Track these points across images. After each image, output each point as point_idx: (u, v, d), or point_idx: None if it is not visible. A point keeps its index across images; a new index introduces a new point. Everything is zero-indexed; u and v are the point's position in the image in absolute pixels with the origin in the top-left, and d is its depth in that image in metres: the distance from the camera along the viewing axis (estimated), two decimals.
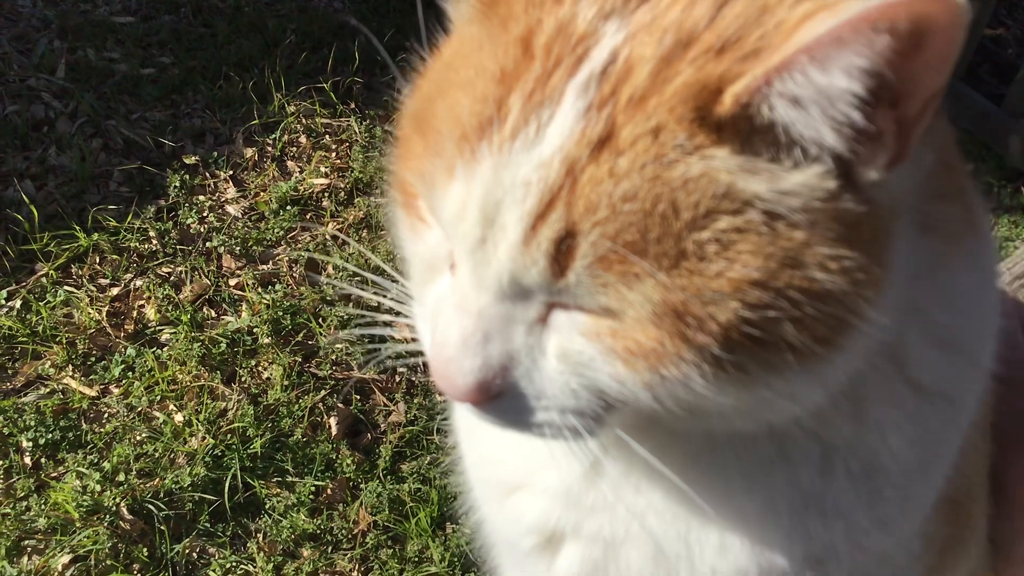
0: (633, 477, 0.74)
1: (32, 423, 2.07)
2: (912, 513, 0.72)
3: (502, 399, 0.64)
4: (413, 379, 2.26)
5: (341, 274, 2.42)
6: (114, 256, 2.44)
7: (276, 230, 2.54)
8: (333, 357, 2.28)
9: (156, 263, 2.45)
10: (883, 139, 0.56)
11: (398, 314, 0.74)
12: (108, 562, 1.90)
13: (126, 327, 2.32)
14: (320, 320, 2.34)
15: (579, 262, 0.57)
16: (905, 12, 0.50)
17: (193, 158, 2.67)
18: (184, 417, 2.15)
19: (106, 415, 2.16)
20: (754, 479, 0.68)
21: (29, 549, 1.93)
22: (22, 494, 1.99)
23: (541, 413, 0.64)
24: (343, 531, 2.01)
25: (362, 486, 2.07)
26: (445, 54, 0.68)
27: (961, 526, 0.80)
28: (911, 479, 0.69)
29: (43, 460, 2.06)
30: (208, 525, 2.00)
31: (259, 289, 2.40)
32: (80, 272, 2.41)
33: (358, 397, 2.23)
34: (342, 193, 2.65)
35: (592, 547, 0.77)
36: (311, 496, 2.04)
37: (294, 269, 2.48)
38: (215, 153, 2.70)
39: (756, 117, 0.55)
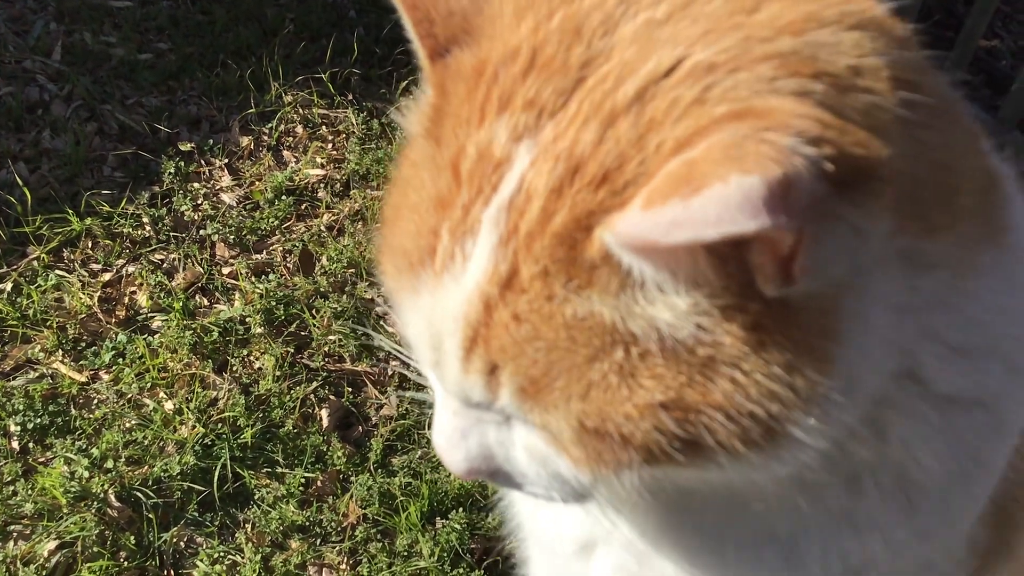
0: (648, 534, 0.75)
1: (21, 407, 2.06)
2: (955, 522, 0.70)
3: (496, 476, 0.68)
4: (406, 373, 2.26)
5: (335, 266, 2.41)
6: (107, 241, 2.42)
7: (271, 219, 2.52)
8: (326, 348, 2.27)
9: (149, 249, 2.44)
10: (763, 269, 0.52)
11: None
12: (95, 549, 1.89)
13: (117, 313, 2.31)
14: (314, 311, 2.33)
15: (504, 391, 0.59)
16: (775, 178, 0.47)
17: (188, 145, 2.66)
18: (174, 405, 2.14)
19: (96, 401, 2.15)
20: (778, 512, 0.67)
21: (15, 534, 1.91)
22: (9, 479, 1.97)
23: (529, 487, 0.67)
24: (332, 524, 2.00)
25: (352, 479, 2.06)
26: (407, 162, 0.66)
27: (1008, 531, 0.79)
28: (950, 490, 0.67)
29: (31, 445, 2.04)
30: (196, 514, 1.99)
31: (252, 278, 2.39)
32: (72, 256, 2.39)
33: (350, 389, 2.22)
34: (338, 184, 2.64)
35: (625, 554, 0.78)
36: (301, 488, 2.04)
37: (288, 259, 2.47)
38: (211, 141, 2.68)
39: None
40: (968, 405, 0.66)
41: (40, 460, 2.02)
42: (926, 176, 0.57)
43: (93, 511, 1.92)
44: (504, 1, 0.61)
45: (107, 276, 2.37)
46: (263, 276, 2.40)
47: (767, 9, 0.55)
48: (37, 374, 2.17)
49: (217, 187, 2.61)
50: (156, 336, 2.27)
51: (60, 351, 2.21)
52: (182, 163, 2.59)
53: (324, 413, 2.17)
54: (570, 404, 0.57)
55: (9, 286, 2.29)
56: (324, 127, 2.79)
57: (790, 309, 0.54)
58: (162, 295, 2.34)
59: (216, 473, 2.01)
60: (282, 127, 2.76)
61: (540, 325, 0.56)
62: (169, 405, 2.14)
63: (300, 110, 2.81)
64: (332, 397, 2.20)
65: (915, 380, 0.63)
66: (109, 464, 2.01)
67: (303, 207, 2.58)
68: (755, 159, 0.46)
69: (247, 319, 2.30)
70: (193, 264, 2.42)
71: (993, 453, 0.69)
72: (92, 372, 2.19)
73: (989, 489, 0.70)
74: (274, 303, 2.32)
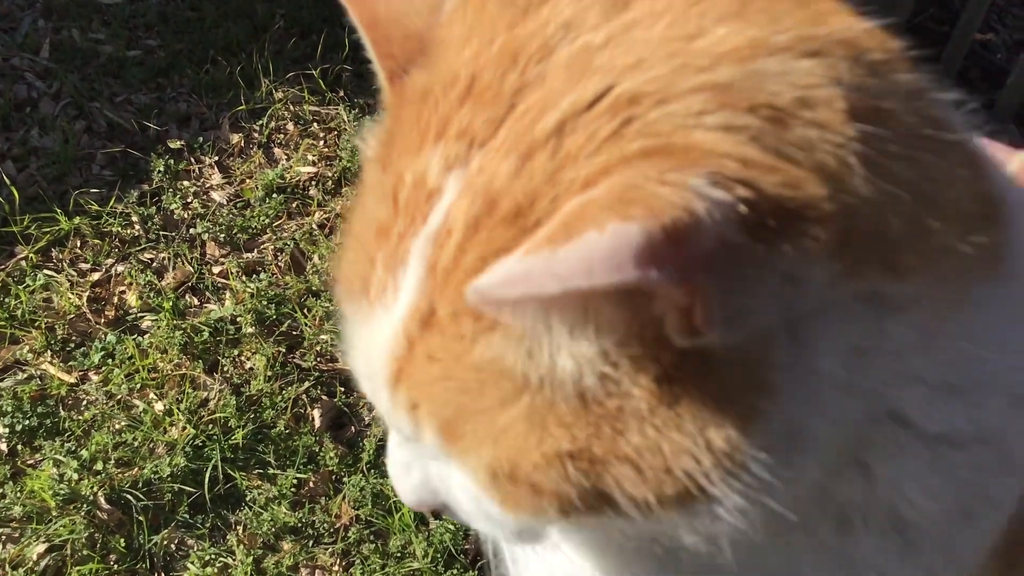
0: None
1: (9, 409, 2.03)
2: (961, 560, 0.65)
3: (446, 510, 0.66)
4: None
5: (327, 265, 2.39)
6: (96, 240, 2.40)
7: (262, 218, 2.50)
8: (318, 348, 2.25)
9: (138, 249, 2.41)
10: (668, 320, 0.48)
11: None
12: (84, 552, 1.87)
13: (107, 313, 2.28)
14: (305, 311, 2.30)
15: (426, 429, 0.57)
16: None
17: (178, 143, 2.63)
18: (165, 406, 2.12)
19: (85, 402, 2.12)
20: (771, 552, 0.63)
21: (3, 537, 1.89)
22: None
23: (475, 524, 0.64)
24: (325, 525, 1.98)
25: (345, 479, 2.05)
26: (361, 186, 0.65)
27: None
28: (952, 528, 0.62)
29: (19, 447, 2.02)
30: (187, 516, 1.97)
31: (243, 277, 2.37)
32: (60, 256, 2.37)
33: (342, 389, 2.20)
34: (329, 182, 2.62)
35: None
36: (293, 489, 2.02)
37: (279, 258, 2.44)
38: (200, 138, 2.66)
39: None
40: (965, 442, 0.60)
41: (29, 462, 2.00)
42: (892, 214, 0.51)
43: (83, 513, 1.90)
44: (454, 24, 0.59)
45: (96, 276, 2.35)
46: (254, 275, 2.38)
47: (711, 35, 0.51)
48: (25, 375, 2.14)
49: (207, 185, 2.58)
50: (146, 336, 2.24)
51: (49, 352, 2.18)
52: (172, 161, 2.57)
53: (316, 413, 2.15)
54: (483, 449, 0.55)
55: None
56: (315, 124, 2.77)
57: (709, 361, 0.50)
58: (152, 295, 2.31)
59: (207, 474, 1.99)
60: (273, 124, 2.74)
61: (452, 365, 0.54)
62: (159, 406, 2.12)
63: (291, 107, 2.78)
64: (324, 397, 2.18)
65: (899, 421, 0.58)
66: (99, 466, 1.98)
67: (294, 205, 2.56)
68: (644, 204, 0.43)
69: (238, 319, 2.28)
70: (183, 263, 2.40)
71: (1000, 489, 0.64)
72: (81, 373, 2.17)
73: (998, 526, 0.65)
74: (265, 302, 2.29)
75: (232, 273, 2.37)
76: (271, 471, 2.04)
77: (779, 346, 0.50)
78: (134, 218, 2.45)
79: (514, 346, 0.52)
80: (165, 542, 1.93)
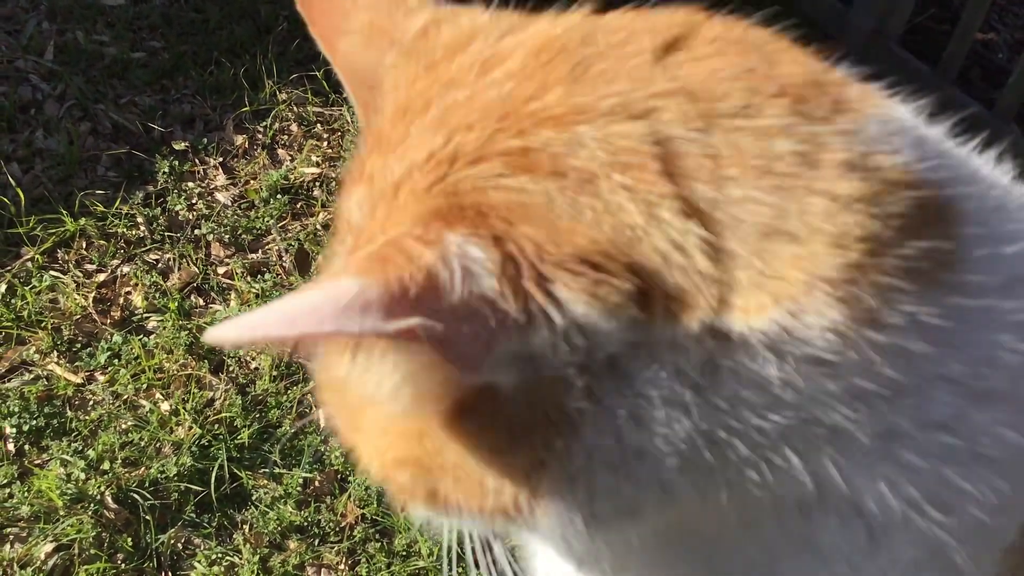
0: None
1: (16, 409, 2.04)
2: (940, 552, 0.62)
3: None
4: None
5: None
6: (101, 242, 2.41)
7: (266, 218, 2.51)
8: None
9: (144, 249, 2.42)
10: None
11: None
12: (92, 551, 1.88)
13: (112, 314, 2.29)
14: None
15: (340, 433, 0.68)
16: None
17: (183, 144, 2.64)
18: (171, 406, 2.13)
19: (91, 402, 2.13)
20: (750, 542, 0.64)
21: (11, 537, 1.90)
22: (5, 481, 1.96)
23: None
24: (331, 524, 1.99)
25: (350, 479, 2.06)
26: None
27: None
28: (919, 518, 0.59)
29: (27, 447, 2.03)
30: (194, 515, 1.98)
31: (248, 278, 2.38)
32: (66, 257, 2.38)
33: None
34: (334, 183, 2.63)
35: None
36: (299, 488, 2.03)
37: (284, 258, 2.46)
38: (205, 140, 2.67)
39: None
40: (910, 434, 0.58)
41: (36, 462, 2.01)
42: (719, 258, 0.51)
43: (90, 513, 1.91)
44: (387, 79, 0.63)
45: (102, 276, 2.36)
46: (259, 276, 2.39)
47: (542, 99, 0.53)
48: (32, 376, 2.16)
49: (212, 186, 2.59)
50: (152, 337, 2.25)
51: (55, 352, 2.20)
52: (176, 162, 2.58)
53: (321, 413, 2.16)
54: (364, 449, 0.64)
55: (3, 287, 2.27)
56: (319, 125, 2.78)
57: (498, 397, 0.54)
58: (157, 295, 2.32)
59: (213, 474, 2.00)
60: (277, 125, 2.75)
61: (328, 384, 0.64)
62: (165, 406, 2.13)
63: (295, 108, 2.79)
64: None
65: (823, 426, 0.57)
66: (106, 466, 1.99)
67: (299, 206, 2.57)
68: (394, 260, 0.47)
69: None
70: (188, 264, 2.41)
71: (965, 481, 0.59)
72: (87, 373, 2.18)
73: (988, 519, 0.60)
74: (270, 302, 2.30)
75: (237, 273, 2.38)
76: (277, 470, 2.06)
77: (577, 385, 0.53)
78: (139, 219, 2.46)
79: (348, 367, 0.56)
80: (172, 541, 1.94)
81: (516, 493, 0.56)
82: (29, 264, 2.33)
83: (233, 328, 0.47)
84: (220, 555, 1.93)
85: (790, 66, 0.56)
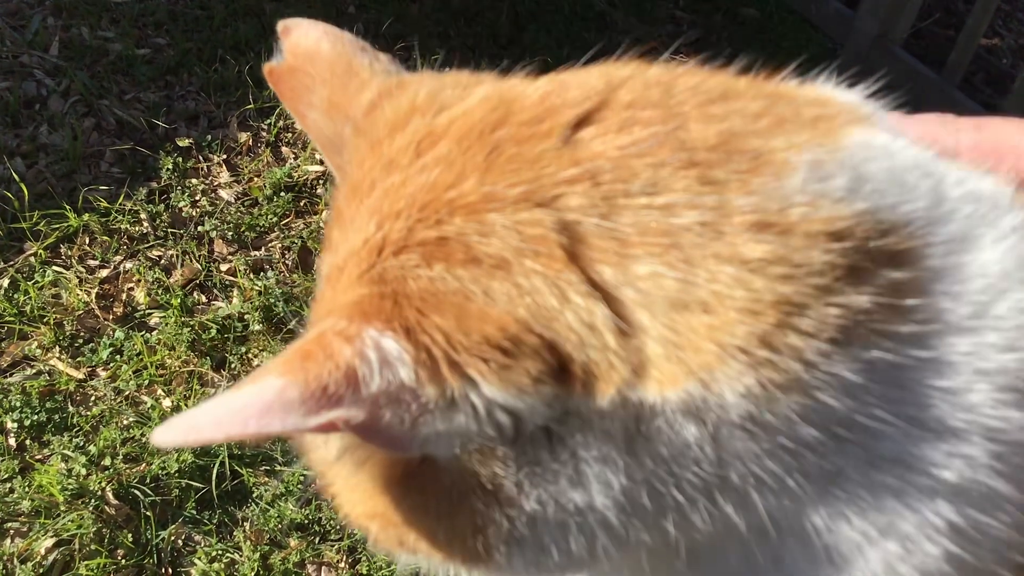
0: None
1: (18, 404, 2.05)
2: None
3: None
4: None
5: None
6: (104, 238, 2.41)
7: (269, 216, 2.51)
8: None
9: (147, 246, 2.42)
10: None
11: None
12: (92, 547, 1.88)
13: (115, 310, 2.30)
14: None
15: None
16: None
17: (187, 141, 2.64)
18: (173, 402, 2.13)
19: (93, 398, 2.13)
20: (727, 551, 0.64)
21: (12, 532, 1.90)
22: (6, 476, 1.96)
23: None
24: (331, 522, 1.99)
25: None
26: None
27: None
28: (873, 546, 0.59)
29: (28, 442, 2.03)
30: (194, 512, 1.98)
31: (251, 275, 2.38)
32: (69, 253, 2.38)
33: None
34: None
35: None
36: (299, 485, 2.03)
37: (287, 256, 2.46)
38: (209, 136, 2.67)
39: None
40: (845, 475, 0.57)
41: (37, 457, 2.01)
42: (622, 334, 0.52)
43: (91, 509, 1.91)
44: (345, 153, 0.65)
45: (104, 272, 2.36)
46: (262, 273, 2.39)
47: (459, 187, 0.55)
48: (34, 371, 2.16)
49: (215, 183, 2.59)
50: (154, 333, 2.25)
51: (57, 348, 2.20)
52: (180, 159, 2.58)
53: None
54: (347, 512, 0.66)
55: (6, 282, 2.28)
56: None
57: (436, 467, 0.57)
58: (160, 292, 2.32)
59: (214, 471, 2.00)
60: (281, 123, 2.75)
61: (308, 443, 0.67)
62: (167, 402, 2.13)
63: None
64: None
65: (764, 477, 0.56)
66: (107, 461, 2.00)
67: (302, 204, 2.57)
68: (314, 357, 0.49)
69: (246, 316, 2.29)
70: (191, 261, 2.41)
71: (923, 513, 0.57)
72: (90, 369, 2.18)
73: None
74: (273, 300, 2.31)
75: (240, 271, 2.38)
76: (278, 468, 2.06)
77: (509, 457, 0.55)
78: (143, 215, 2.46)
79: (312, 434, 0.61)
80: (172, 537, 1.94)
81: (466, 550, 0.58)
82: (32, 259, 2.33)
83: (172, 432, 0.49)
84: (220, 552, 1.93)
85: (703, 127, 0.55)
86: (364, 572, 1.93)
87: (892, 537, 0.56)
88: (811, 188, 0.53)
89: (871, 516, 0.55)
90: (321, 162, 2.68)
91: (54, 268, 2.33)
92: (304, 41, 0.71)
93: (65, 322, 2.23)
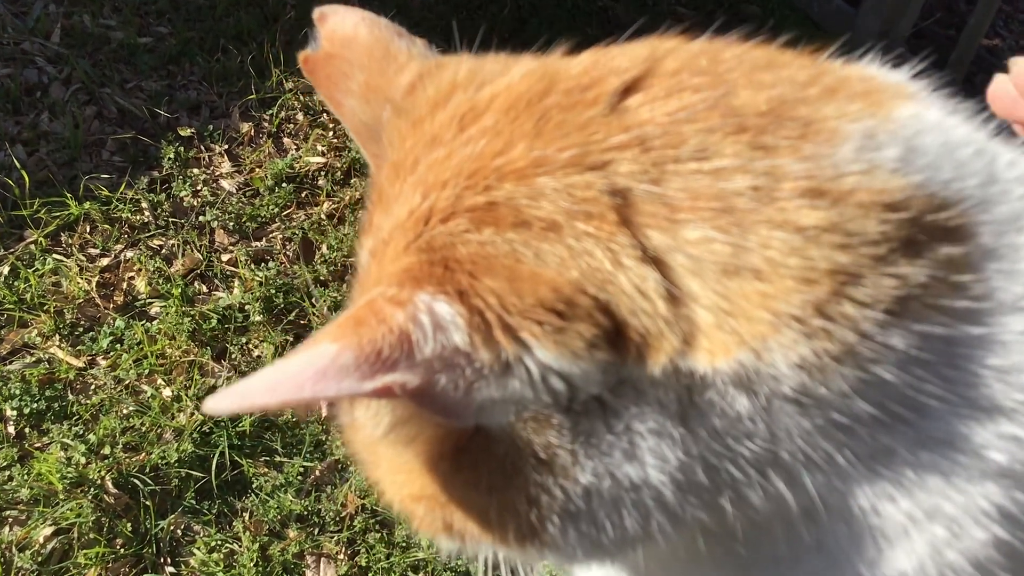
0: None
1: (17, 392, 2.04)
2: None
3: None
4: None
5: (335, 254, 2.40)
6: (105, 226, 2.40)
7: (271, 207, 2.51)
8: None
9: (148, 235, 2.42)
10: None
11: None
12: (91, 536, 1.88)
13: (115, 299, 2.29)
14: (313, 300, 2.31)
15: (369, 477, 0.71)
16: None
17: (188, 130, 2.63)
18: (173, 392, 2.12)
19: (93, 387, 2.13)
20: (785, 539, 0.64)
21: (10, 520, 1.90)
22: (5, 464, 1.96)
23: None
24: (331, 513, 1.99)
25: (351, 469, 2.05)
26: None
27: None
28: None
29: (27, 430, 2.03)
30: (194, 502, 1.98)
31: (252, 266, 2.37)
32: (70, 241, 2.37)
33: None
34: (339, 173, 2.63)
35: None
36: (299, 477, 2.03)
37: (288, 247, 2.45)
38: (211, 126, 2.66)
39: None
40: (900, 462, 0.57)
41: (36, 445, 2.00)
42: (682, 300, 0.52)
43: (90, 497, 1.91)
44: (384, 135, 0.65)
45: (105, 261, 2.36)
46: (263, 263, 2.39)
47: (508, 154, 0.55)
48: (34, 359, 2.15)
49: (217, 173, 2.59)
50: (154, 322, 2.25)
51: (57, 336, 2.19)
52: (182, 148, 2.57)
53: (323, 402, 2.15)
54: (383, 487, 0.67)
55: (6, 270, 2.27)
56: (325, 115, 2.77)
57: (489, 438, 0.57)
58: (161, 281, 2.32)
59: (214, 461, 2.00)
60: (283, 114, 2.74)
61: (350, 425, 0.66)
62: (167, 392, 2.13)
63: (301, 97, 2.79)
64: None
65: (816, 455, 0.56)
66: (106, 450, 1.99)
67: (303, 195, 2.57)
68: (367, 323, 0.49)
69: (246, 307, 2.29)
70: (192, 250, 2.40)
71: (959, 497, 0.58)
72: (89, 357, 2.18)
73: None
74: (273, 291, 2.30)
75: (241, 261, 2.38)
76: (278, 459, 2.05)
77: (565, 427, 0.55)
78: (144, 204, 2.46)
79: (363, 412, 0.60)
80: (172, 527, 1.94)
81: (519, 527, 0.58)
82: (32, 247, 2.32)
83: (227, 399, 0.49)
84: (220, 542, 1.93)
85: (753, 93, 0.55)
86: (363, 564, 1.92)
87: (939, 520, 0.56)
88: (864, 157, 0.52)
89: (918, 498, 0.55)
90: (323, 153, 2.67)
91: (54, 256, 2.32)
92: (341, 28, 0.70)
93: (65, 310, 2.22)
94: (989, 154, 0.57)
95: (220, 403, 0.49)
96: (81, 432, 2.02)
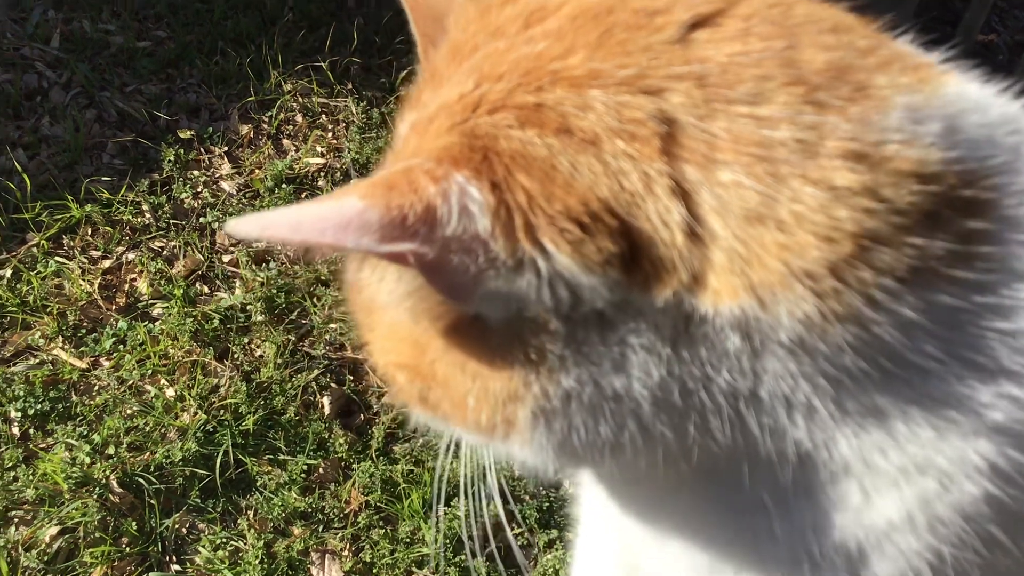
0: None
1: (21, 393, 2.05)
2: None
3: None
4: None
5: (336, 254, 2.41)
6: (107, 228, 2.41)
7: (271, 208, 2.52)
8: (327, 337, 2.27)
9: (149, 237, 2.43)
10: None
11: None
12: (97, 535, 1.89)
13: (118, 300, 2.30)
14: (315, 300, 2.32)
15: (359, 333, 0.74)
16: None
17: (188, 133, 2.65)
18: (176, 392, 2.13)
19: (96, 387, 2.14)
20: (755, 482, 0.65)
21: (16, 520, 1.91)
22: (10, 464, 1.96)
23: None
24: (335, 510, 2.00)
25: (354, 466, 2.06)
26: None
27: None
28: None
29: (32, 431, 2.04)
30: (199, 500, 1.99)
31: (253, 266, 2.39)
32: (72, 243, 2.38)
33: (351, 377, 2.22)
34: (338, 173, 2.64)
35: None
36: (303, 475, 2.03)
37: (288, 247, 2.46)
38: (210, 128, 2.67)
39: None
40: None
41: (41, 446, 2.01)
42: (698, 237, 0.54)
43: (95, 497, 1.92)
44: (453, 17, 0.66)
45: (107, 263, 2.37)
46: (264, 264, 2.40)
47: (566, 60, 0.56)
48: (37, 360, 2.16)
49: (217, 175, 2.60)
50: (157, 323, 2.26)
51: (60, 337, 2.20)
52: (182, 151, 2.58)
53: (326, 401, 2.16)
54: (373, 350, 0.69)
55: (9, 272, 2.28)
56: (324, 116, 2.79)
57: (485, 327, 0.59)
58: (162, 282, 2.33)
59: (218, 460, 2.01)
60: (282, 116, 2.75)
61: (353, 284, 0.67)
62: (170, 392, 2.14)
63: (300, 99, 2.80)
64: (333, 385, 2.20)
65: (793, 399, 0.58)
66: (111, 450, 2.00)
67: (303, 196, 2.58)
68: (399, 188, 0.51)
69: (248, 307, 2.30)
70: (193, 252, 2.41)
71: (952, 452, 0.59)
72: (93, 359, 2.19)
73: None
74: (275, 291, 2.31)
75: (242, 262, 2.39)
76: (281, 457, 2.06)
77: (560, 332, 0.57)
78: (145, 207, 2.47)
79: (369, 274, 0.62)
80: (176, 526, 1.95)
81: (492, 416, 0.61)
82: (35, 250, 2.33)
83: (249, 224, 0.51)
84: (224, 540, 1.94)
85: (815, 51, 0.56)
86: (368, 560, 1.93)
87: (931, 474, 0.57)
88: (908, 128, 0.54)
89: (909, 451, 0.57)
90: (322, 154, 2.68)
91: (57, 259, 2.33)
92: None
93: (68, 312, 2.23)
94: (1022, 130, 0.60)
95: (243, 227, 0.51)
96: (85, 432, 2.03)
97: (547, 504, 2.02)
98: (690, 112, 0.54)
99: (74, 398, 2.10)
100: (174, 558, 1.92)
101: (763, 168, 0.52)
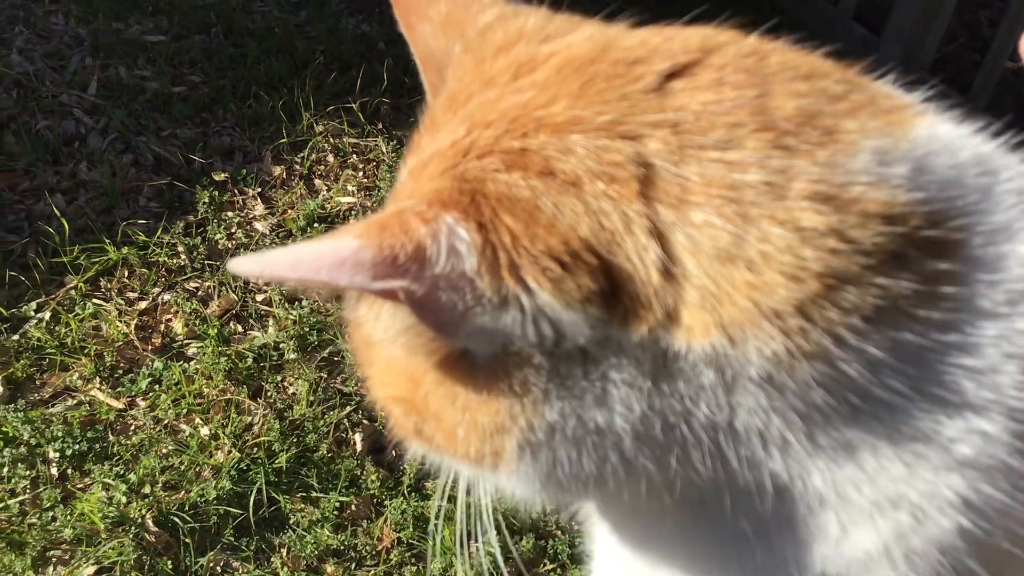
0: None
1: (59, 434, 2.08)
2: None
3: None
4: None
5: None
6: (143, 270, 2.46)
7: None
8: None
9: (184, 278, 2.47)
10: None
11: None
12: (133, 574, 1.91)
13: (153, 341, 2.34)
14: (346, 337, 2.34)
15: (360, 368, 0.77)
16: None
17: (222, 175, 2.69)
18: (210, 431, 2.16)
19: (133, 427, 2.17)
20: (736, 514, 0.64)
21: (54, 559, 1.93)
22: (48, 504, 1.99)
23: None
24: (367, 547, 2.01)
25: (386, 503, 2.07)
26: None
27: None
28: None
29: (69, 471, 2.07)
30: (232, 539, 2.00)
31: (286, 305, 2.42)
32: (109, 285, 2.43)
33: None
34: (369, 212, 2.67)
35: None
36: (335, 512, 2.05)
37: (297, 286, 2.49)
38: (244, 170, 2.72)
39: None
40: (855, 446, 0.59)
41: (79, 486, 2.04)
42: (674, 277, 0.55)
43: (131, 536, 1.94)
44: (451, 67, 0.69)
45: (143, 304, 2.41)
46: (296, 303, 2.43)
47: (550, 108, 0.58)
48: (75, 401, 2.20)
49: (251, 216, 2.64)
50: (192, 363, 2.29)
51: (97, 378, 2.24)
52: (216, 193, 2.63)
53: (358, 437, 2.18)
54: (372, 385, 0.71)
55: (48, 315, 2.32)
56: (355, 156, 2.83)
57: (473, 362, 0.61)
58: (197, 322, 2.36)
59: (252, 498, 2.02)
60: (314, 156, 2.80)
61: (353, 321, 0.69)
62: (205, 431, 2.16)
63: (331, 139, 2.84)
64: (366, 421, 2.21)
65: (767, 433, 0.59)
66: (146, 489, 2.02)
67: None
68: (391, 229, 0.53)
69: (281, 345, 2.32)
70: (227, 292, 2.45)
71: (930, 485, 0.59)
72: (129, 399, 2.22)
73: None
74: (307, 329, 2.34)
75: (275, 301, 2.42)
76: (314, 494, 2.08)
77: (544, 367, 0.59)
78: (180, 248, 2.51)
79: (366, 311, 0.64)
80: (211, 564, 1.96)
81: (481, 447, 0.63)
82: (73, 292, 2.38)
83: (251, 263, 0.54)
84: None
85: (785, 98, 0.58)
86: None
87: (903, 508, 0.58)
88: (875, 170, 0.55)
89: (882, 486, 0.58)
90: (353, 193, 2.72)
91: (94, 301, 2.38)
92: None
93: (105, 353, 2.27)
94: (995, 171, 0.60)
95: (244, 266, 0.55)
96: (122, 472, 2.06)
97: (579, 540, 2.01)
98: (665, 157, 0.56)
99: (111, 438, 2.13)
100: None
101: (733, 209, 0.54)
